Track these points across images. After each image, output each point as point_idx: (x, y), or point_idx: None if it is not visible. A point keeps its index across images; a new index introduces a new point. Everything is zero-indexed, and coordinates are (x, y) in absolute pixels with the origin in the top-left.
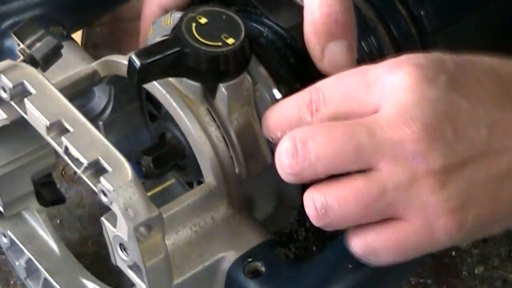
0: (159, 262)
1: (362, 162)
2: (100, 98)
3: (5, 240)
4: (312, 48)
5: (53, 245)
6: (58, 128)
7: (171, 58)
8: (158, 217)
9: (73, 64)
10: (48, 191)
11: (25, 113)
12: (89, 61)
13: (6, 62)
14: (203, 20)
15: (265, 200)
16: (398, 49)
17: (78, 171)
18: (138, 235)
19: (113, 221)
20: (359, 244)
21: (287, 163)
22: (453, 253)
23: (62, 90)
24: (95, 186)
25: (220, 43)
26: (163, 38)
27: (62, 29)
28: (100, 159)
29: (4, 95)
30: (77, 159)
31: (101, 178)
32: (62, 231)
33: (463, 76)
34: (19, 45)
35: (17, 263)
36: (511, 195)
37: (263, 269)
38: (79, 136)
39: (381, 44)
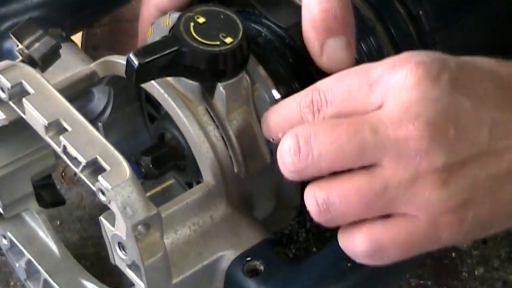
0: (157, 260)
1: (365, 159)
2: (100, 99)
3: (5, 241)
4: (311, 44)
5: (53, 246)
6: (56, 128)
7: (169, 57)
8: (157, 215)
9: (72, 66)
10: (48, 192)
11: (24, 113)
12: (88, 62)
13: (5, 63)
14: (201, 20)
15: (265, 199)
16: (397, 48)
17: (77, 170)
18: (137, 234)
19: (112, 220)
20: (365, 240)
21: (289, 160)
22: (453, 254)
23: (61, 91)
24: (93, 185)
25: (218, 42)
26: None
27: (61, 31)
28: (98, 158)
29: (3, 95)
30: (75, 158)
31: (99, 177)
32: (62, 232)
33: (465, 76)
34: (17, 45)
35: (17, 265)
36: (511, 195)
37: (262, 268)
38: (77, 135)
39: (380, 43)
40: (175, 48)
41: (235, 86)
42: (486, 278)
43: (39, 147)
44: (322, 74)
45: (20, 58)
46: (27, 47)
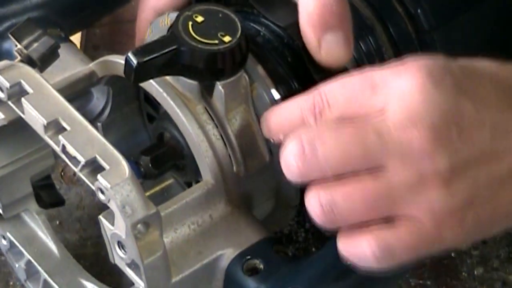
0: (157, 259)
1: (369, 162)
2: (99, 99)
3: (4, 242)
4: (309, 40)
5: (53, 247)
6: (55, 127)
7: (168, 56)
8: (156, 214)
9: (71, 66)
10: (47, 193)
11: (23, 112)
12: (87, 62)
13: (3, 62)
14: (200, 19)
15: (264, 198)
16: (396, 47)
17: (76, 170)
18: (136, 233)
19: (111, 219)
20: (372, 244)
21: (294, 164)
22: (453, 254)
23: (60, 91)
24: (93, 184)
25: (216, 41)
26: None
27: (60, 31)
28: (97, 157)
29: (2, 95)
30: (75, 158)
31: (99, 176)
32: (62, 232)
33: (467, 79)
34: (16, 45)
35: (16, 265)
36: (511, 197)
37: (261, 266)
38: (76, 135)
39: (379, 42)
40: (174, 47)
41: (234, 85)
42: (486, 278)
43: (38, 148)
44: (322, 73)
45: (19, 58)
46: (26, 47)
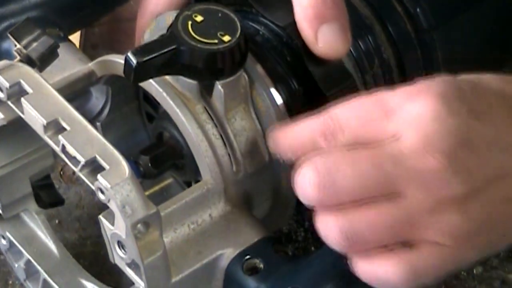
0: (157, 259)
1: (386, 189)
2: (98, 99)
3: (4, 242)
4: (305, 33)
5: (52, 246)
6: (55, 127)
7: (167, 56)
8: (156, 214)
9: (70, 65)
10: (47, 193)
11: (22, 112)
12: (86, 62)
13: (3, 62)
14: (199, 18)
15: (263, 198)
16: (395, 46)
17: (76, 170)
18: (136, 233)
19: (111, 219)
20: (400, 269)
21: (310, 192)
22: None
23: (59, 91)
24: (93, 184)
25: (216, 41)
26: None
27: (59, 31)
28: (97, 156)
29: (1, 95)
30: (74, 157)
31: (98, 176)
32: (61, 231)
33: (478, 101)
34: (15, 45)
35: (16, 265)
36: None
37: (261, 266)
38: (76, 134)
39: (378, 41)
40: (173, 46)
41: (233, 84)
42: (485, 277)
43: (38, 147)
44: (321, 72)
45: (18, 58)
46: (25, 47)
